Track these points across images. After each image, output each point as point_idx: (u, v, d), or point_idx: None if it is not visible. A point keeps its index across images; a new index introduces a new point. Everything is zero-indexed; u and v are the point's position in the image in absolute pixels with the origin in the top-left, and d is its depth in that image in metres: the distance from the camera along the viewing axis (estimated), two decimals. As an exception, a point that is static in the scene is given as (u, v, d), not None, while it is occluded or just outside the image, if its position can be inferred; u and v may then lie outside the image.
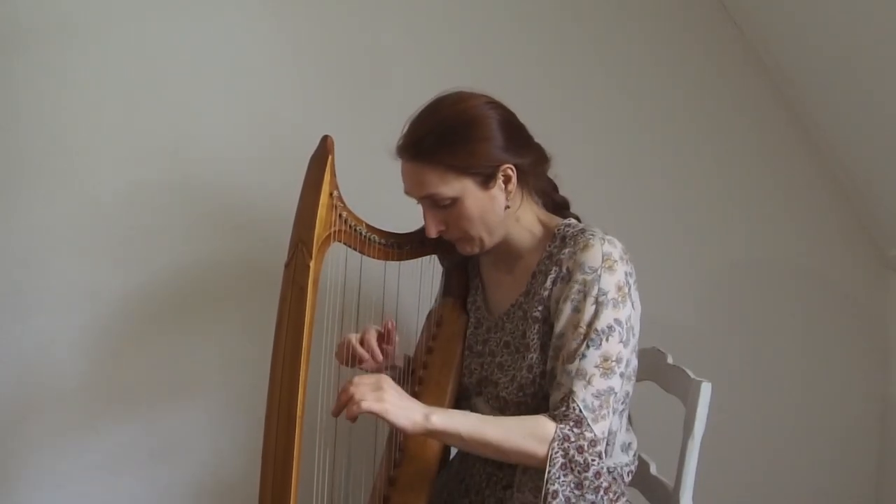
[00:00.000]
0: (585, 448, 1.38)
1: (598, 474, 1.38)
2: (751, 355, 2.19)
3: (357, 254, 1.54)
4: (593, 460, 1.38)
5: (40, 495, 2.03)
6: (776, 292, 2.20)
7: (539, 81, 2.08)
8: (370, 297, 1.68)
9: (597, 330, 1.42)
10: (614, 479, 1.48)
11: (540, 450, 1.37)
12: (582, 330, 1.43)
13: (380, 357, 1.61)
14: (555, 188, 1.67)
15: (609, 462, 1.49)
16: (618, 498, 1.47)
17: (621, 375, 1.44)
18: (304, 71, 2.07)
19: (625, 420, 1.55)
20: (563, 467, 1.37)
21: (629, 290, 1.47)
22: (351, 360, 1.61)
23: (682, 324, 2.14)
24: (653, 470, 1.69)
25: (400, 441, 1.55)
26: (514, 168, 1.51)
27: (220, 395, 2.08)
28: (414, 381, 1.62)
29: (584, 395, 1.40)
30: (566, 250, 1.50)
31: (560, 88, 2.11)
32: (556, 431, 1.38)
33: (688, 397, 1.59)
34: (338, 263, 1.56)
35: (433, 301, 1.78)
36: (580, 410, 1.39)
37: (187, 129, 2.04)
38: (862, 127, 2.04)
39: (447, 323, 1.66)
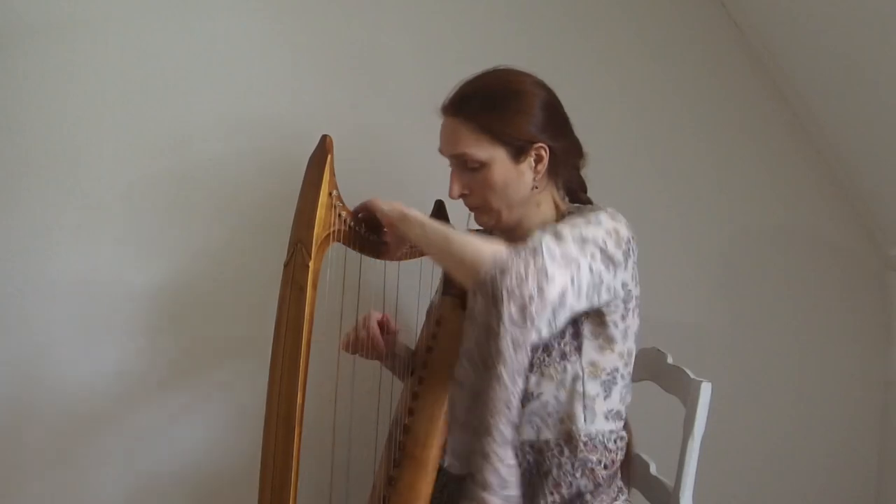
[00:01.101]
0: (531, 266, 1.33)
1: (529, 301, 1.32)
2: (751, 355, 2.19)
3: (356, 253, 1.54)
4: (535, 287, 1.33)
5: (40, 495, 2.03)
6: (776, 292, 2.20)
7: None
8: (370, 296, 1.68)
9: (582, 232, 1.42)
10: (595, 446, 1.48)
11: (487, 250, 1.35)
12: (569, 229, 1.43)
13: (380, 340, 1.64)
14: (583, 187, 1.68)
15: (591, 428, 1.48)
16: (617, 495, 1.48)
17: (590, 269, 1.40)
18: (304, 71, 2.07)
19: (618, 392, 1.53)
20: (503, 272, 1.32)
21: (627, 248, 1.46)
22: (353, 346, 1.65)
23: (682, 324, 2.14)
24: (653, 470, 1.69)
25: (400, 440, 1.55)
26: (546, 149, 1.53)
27: (220, 394, 2.08)
28: (414, 380, 1.62)
29: (549, 242, 1.37)
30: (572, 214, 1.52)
31: (559, 88, 2.09)
32: (508, 249, 1.36)
33: (688, 397, 1.59)
34: (337, 263, 1.56)
35: (433, 294, 1.78)
36: (541, 245, 1.36)
37: (187, 129, 2.04)
38: (862, 127, 2.04)
39: (447, 322, 1.66)
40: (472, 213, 1.60)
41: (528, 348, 1.33)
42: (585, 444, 1.47)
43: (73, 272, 2.02)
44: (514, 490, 1.35)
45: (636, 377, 1.65)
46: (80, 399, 2.03)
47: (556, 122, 1.56)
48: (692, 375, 1.60)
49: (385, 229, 1.55)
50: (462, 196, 1.57)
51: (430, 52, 2.09)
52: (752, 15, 2.12)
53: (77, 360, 2.02)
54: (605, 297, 1.45)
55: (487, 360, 1.33)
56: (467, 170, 1.53)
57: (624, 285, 1.47)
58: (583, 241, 1.41)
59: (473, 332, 1.35)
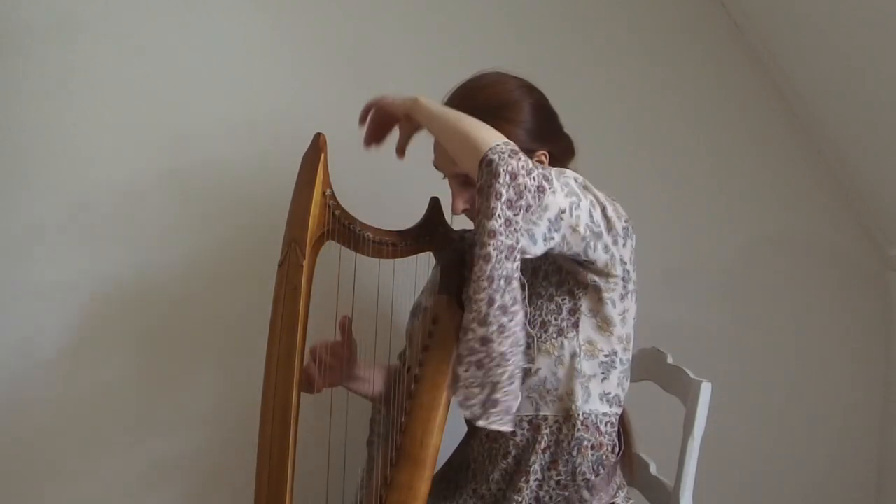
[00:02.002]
0: (536, 172, 1.33)
1: (540, 189, 1.33)
2: (751, 355, 2.19)
3: (351, 252, 1.54)
4: (534, 174, 1.33)
5: (39, 496, 2.03)
6: (776, 292, 2.20)
7: (538, 81, 2.07)
8: (364, 295, 1.68)
9: (585, 183, 1.43)
10: (588, 426, 1.49)
11: (500, 135, 1.36)
12: None
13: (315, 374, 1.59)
14: None
15: (587, 407, 1.49)
16: (616, 492, 1.48)
17: (590, 215, 1.39)
18: (299, 70, 2.07)
19: (616, 376, 1.53)
20: (513, 153, 1.32)
21: (626, 226, 1.46)
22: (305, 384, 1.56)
23: (682, 324, 2.14)
24: (653, 470, 1.68)
25: (397, 440, 1.55)
26: (546, 155, 1.53)
27: (216, 394, 2.08)
28: (410, 378, 1.61)
29: (555, 172, 1.38)
30: None
31: (558, 89, 2.09)
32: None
33: (688, 397, 1.59)
34: (332, 262, 1.56)
35: (420, 295, 1.78)
36: (549, 169, 1.37)
37: (185, 129, 2.04)
38: (862, 126, 2.04)
39: (443, 320, 1.65)
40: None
41: (518, 245, 1.31)
42: (583, 422, 1.48)
43: (71, 271, 2.01)
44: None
45: (636, 377, 1.65)
46: (77, 399, 2.03)
47: (551, 125, 1.56)
48: (692, 375, 1.60)
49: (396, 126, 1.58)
50: (465, 210, 1.56)
51: (428, 53, 2.09)
52: (752, 15, 2.12)
53: (74, 359, 2.02)
54: (602, 255, 1.43)
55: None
56: (470, 185, 1.51)
57: (622, 263, 1.47)
58: (586, 188, 1.41)
59: (482, 206, 1.32)
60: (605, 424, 1.53)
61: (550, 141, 1.55)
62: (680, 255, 2.17)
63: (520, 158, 1.31)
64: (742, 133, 2.18)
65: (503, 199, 1.29)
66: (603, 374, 1.50)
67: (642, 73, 2.16)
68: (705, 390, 1.56)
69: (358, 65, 2.08)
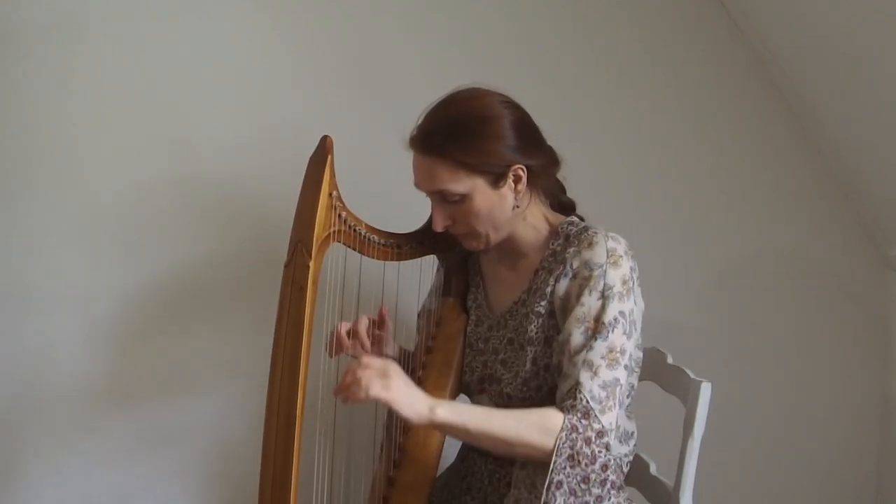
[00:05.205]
0: (593, 440, 1.38)
1: (604, 467, 1.38)
2: (751, 355, 2.19)
3: (356, 254, 1.54)
4: (600, 452, 1.38)
5: (42, 494, 2.03)
6: (776, 292, 2.20)
7: (538, 81, 2.08)
8: (369, 297, 1.68)
9: (603, 323, 1.43)
10: (615, 471, 1.48)
11: (547, 441, 1.37)
12: (589, 324, 1.44)
13: (367, 345, 1.60)
14: (562, 189, 1.67)
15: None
16: (618, 492, 1.48)
17: (625, 368, 1.44)
18: (304, 71, 2.07)
19: (624, 410, 1.54)
20: (570, 458, 1.37)
21: (633, 284, 1.48)
22: (334, 347, 1.59)
23: (682, 324, 2.14)
24: (653, 470, 1.69)
25: (399, 441, 1.55)
26: (524, 169, 1.51)
27: (220, 394, 2.08)
28: (413, 381, 1.62)
29: (590, 386, 1.40)
30: (571, 249, 1.50)
31: (559, 88, 2.11)
32: (564, 422, 1.38)
33: (688, 397, 1.59)
34: (337, 263, 1.56)
35: (426, 298, 1.78)
36: (587, 401, 1.39)
37: (188, 129, 2.03)
38: (862, 126, 2.04)
39: (446, 322, 1.66)
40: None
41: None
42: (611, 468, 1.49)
43: (74, 272, 2.01)
44: None
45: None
46: (81, 399, 2.03)
47: (529, 140, 1.53)
48: (692, 375, 1.60)
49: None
50: (447, 227, 1.55)
51: (430, 53, 2.09)
52: (752, 15, 2.12)
53: (78, 360, 2.02)
54: (636, 355, 1.53)
55: None
56: (448, 202, 1.51)
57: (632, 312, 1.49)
58: (611, 351, 1.43)
59: None
60: (627, 465, 1.56)
61: (530, 156, 1.52)
62: (680, 254, 2.17)
63: (579, 462, 1.38)
64: (742, 133, 2.19)
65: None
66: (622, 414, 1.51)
67: (642, 73, 2.16)
68: (705, 390, 1.56)
69: (362, 66, 2.08)
